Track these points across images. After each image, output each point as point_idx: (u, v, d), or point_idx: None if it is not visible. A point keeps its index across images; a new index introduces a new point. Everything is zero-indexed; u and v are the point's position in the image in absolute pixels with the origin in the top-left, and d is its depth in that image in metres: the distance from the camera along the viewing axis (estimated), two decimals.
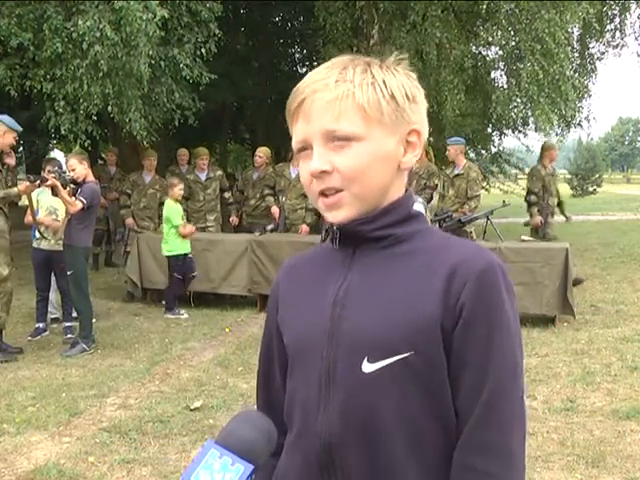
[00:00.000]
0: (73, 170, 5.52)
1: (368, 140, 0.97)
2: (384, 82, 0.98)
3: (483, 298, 0.95)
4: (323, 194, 0.99)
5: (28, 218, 5.91)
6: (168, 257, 6.82)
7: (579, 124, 13.73)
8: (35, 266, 6.04)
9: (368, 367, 0.96)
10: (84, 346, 5.51)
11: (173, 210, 6.77)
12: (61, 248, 5.74)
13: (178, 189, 6.86)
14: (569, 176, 34.19)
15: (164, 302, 7.02)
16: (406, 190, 1.05)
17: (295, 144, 1.02)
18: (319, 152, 0.98)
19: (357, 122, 0.96)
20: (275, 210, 7.79)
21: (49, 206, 5.92)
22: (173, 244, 6.76)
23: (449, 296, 0.95)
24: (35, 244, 5.98)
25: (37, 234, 5.93)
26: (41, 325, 6.06)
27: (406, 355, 0.95)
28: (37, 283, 6.06)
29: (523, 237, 7.10)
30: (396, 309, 0.97)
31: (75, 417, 4.14)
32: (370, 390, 0.97)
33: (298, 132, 1.01)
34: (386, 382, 0.96)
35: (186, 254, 6.85)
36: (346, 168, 0.97)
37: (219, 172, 8.51)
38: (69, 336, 5.84)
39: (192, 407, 4.27)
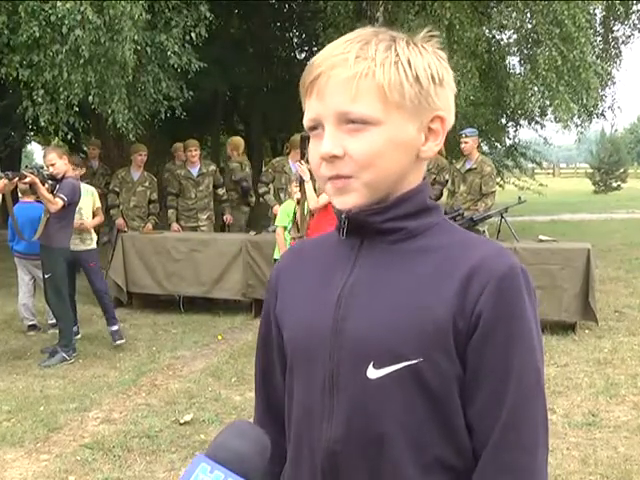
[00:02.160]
0: (52, 165, 5.52)
1: (385, 125, 0.96)
2: (409, 62, 0.96)
3: (503, 305, 0.95)
4: (332, 180, 1.00)
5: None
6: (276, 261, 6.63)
7: (602, 114, 13.74)
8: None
9: (373, 373, 0.97)
10: (64, 355, 5.51)
11: (282, 209, 6.44)
12: (87, 247, 5.98)
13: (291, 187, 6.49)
14: (591, 171, 34.24)
15: None
16: (423, 179, 1.04)
17: (306, 121, 1.01)
18: (331, 134, 0.97)
19: (375, 104, 0.95)
20: (277, 210, 7.73)
21: None
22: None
23: (465, 301, 0.95)
24: None
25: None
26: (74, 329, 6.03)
27: (414, 362, 0.95)
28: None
29: (541, 237, 7.10)
30: (405, 311, 0.97)
31: (54, 432, 4.14)
32: (375, 397, 0.97)
33: (310, 109, 1.00)
34: (392, 389, 0.97)
35: None
36: (359, 154, 0.96)
37: (212, 167, 8.46)
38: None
39: (182, 421, 4.27)
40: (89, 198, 6.14)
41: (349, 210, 1.01)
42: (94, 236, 6.23)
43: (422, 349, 0.95)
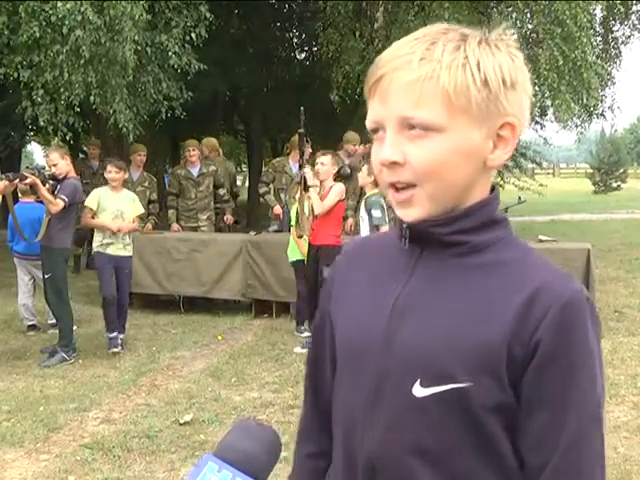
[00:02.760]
0: (54, 165, 5.52)
1: (449, 132, 0.91)
2: (478, 64, 0.91)
3: (566, 334, 0.90)
4: (394, 187, 0.95)
5: (87, 220, 5.78)
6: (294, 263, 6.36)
7: (602, 114, 13.74)
8: (101, 272, 5.89)
9: (420, 391, 0.94)
10: (64, 355, 5.51)
11: (293, 210, 6.28)
12: (127, 253, 5.88)
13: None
14: (591, 171, 34.24)
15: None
16: (492, 190, 0.99)
17: (368, 123, 0.98)
18: (392, 139, 0.93)
19: (438, 110, 0.90)
20: (278, 210, 7.74)
21: (115, 209, 5.80)
22: (293, 247, 6.30)
23: (524, 326, 0.90)
24: (101, 249, 5.82)
25: (101, 239, 5.77)
26: (113, 334, 5.84)
27: (463, 385, 0.91)
28: (104, 291, 5.88)
29: (541, 237, 7.10)
30: (458, 330, 0.93)
31: (54, 432, 4.14)
32: (418, 416, 0.94)
33: (372, 111, 0.96)
34: (436, 410, 0.93)
35: (303, 260, 6.13)
36: (420, 162, 0.92)
37: (212, 167, 8.42)
38: (116, 349, 5.73)
39: (181, 421, 4.27)
40: (130, 204, 5.92)
41: (411, 222, 0.97)
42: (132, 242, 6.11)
43: (472, 372, 0.91)
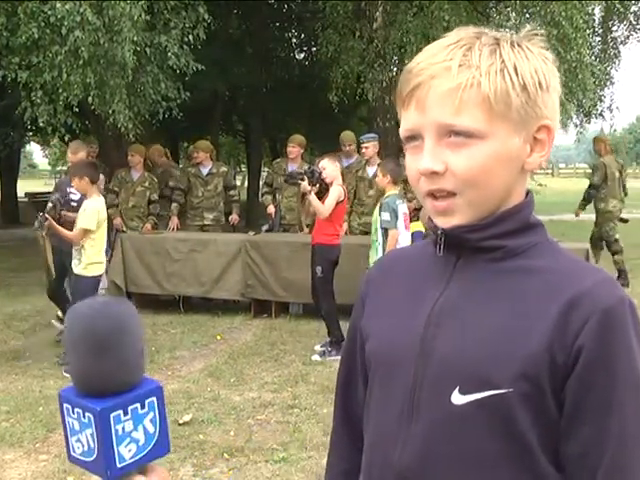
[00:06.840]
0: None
1: (491, 138, 0.91)
2: (515, 68, 0.91)
3: (607, 342, 0.88)
4: (432, 195, 0.94)
5: None
6: None
7: (600, 114, 13.77)
8: None
9: (458, 398, 0.92)
10: None
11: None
12: (76, 271, 5.28)
13: None
14: (590, 171, 34.31)
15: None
16: (527, 194, 0.99)
17: (403, 132, 0.96)
18: (431, 149, 0.92)
19: (480, 116, 0.90)
20: (270, 209, 7.81)
21: None
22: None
23: (567, 331, 0.88)
24: None
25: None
26: None
27: (503, 391, 0.89)
28: None
29: None
30: (499, 336, 0.91)
31: (53, 433, 4.14)
32: (457, 424, 0.92)
33: (408, 120, 0.94)
34: (476, 418, 0.91)
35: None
36: (462, 170, 0.91)
37: (223, 168, 8.48)
38: None
39: (181, 421, 4.28)
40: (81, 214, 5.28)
41: (450, 229, 0.96)
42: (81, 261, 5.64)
43: (513, 378, 0.89)
